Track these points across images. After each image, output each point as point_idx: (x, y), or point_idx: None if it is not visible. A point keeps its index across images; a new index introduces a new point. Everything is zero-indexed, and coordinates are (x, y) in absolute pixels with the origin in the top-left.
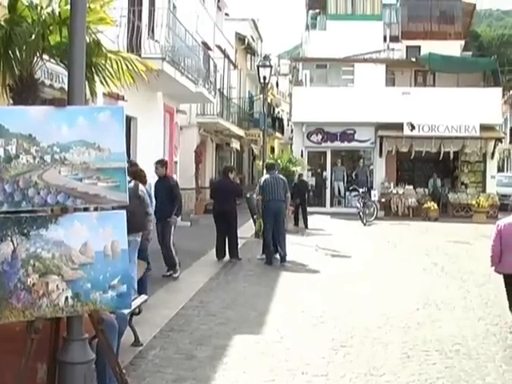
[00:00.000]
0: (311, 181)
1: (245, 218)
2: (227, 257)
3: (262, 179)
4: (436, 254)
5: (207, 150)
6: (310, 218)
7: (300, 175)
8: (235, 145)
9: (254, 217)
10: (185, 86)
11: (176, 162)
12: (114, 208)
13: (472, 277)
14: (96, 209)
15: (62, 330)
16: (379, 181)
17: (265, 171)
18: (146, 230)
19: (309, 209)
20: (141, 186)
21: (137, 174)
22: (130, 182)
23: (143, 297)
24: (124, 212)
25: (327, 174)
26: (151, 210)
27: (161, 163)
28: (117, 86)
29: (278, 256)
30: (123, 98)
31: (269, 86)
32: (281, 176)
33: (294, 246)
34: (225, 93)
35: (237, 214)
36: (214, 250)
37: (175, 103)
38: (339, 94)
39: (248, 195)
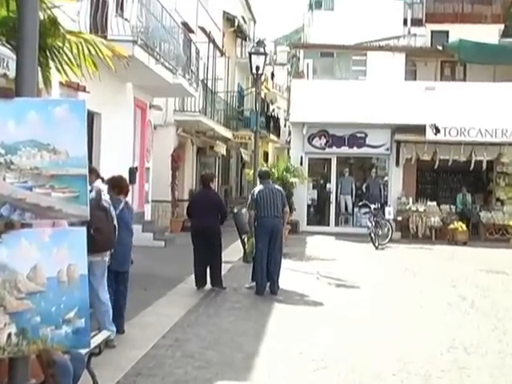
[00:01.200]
0: (312, 194)
1: (231, 237)
2: (209, 285)
3: (256, 190)
4: (464, 286)
5: (187, 155)
6: (310, 239)
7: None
8: (221, 149)
9: (243, 237)
10: (160, 75)
11: (148, 169)
12: (72, 224)
13: (509, 315)
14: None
15: (2, 374)
16: (395, 195)
17: (258, 181)
18: (114, 247)
19: (309, 228)
20: (104, 196)
21: (115, 182)
22: (90, 190)
23: (105, 333)
24: (84, 229)
25: (332, 186)
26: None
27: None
28: (77, 75)
29: (268, 285)
30: (84, 89)
31: (263, 77)
32: (277, 187)
33: (291, 272)
34: (209, 85)
35: (221, 233)
36: (193, 276)
37: (148, 97)
38: (348, 89)
39: (236, 210)
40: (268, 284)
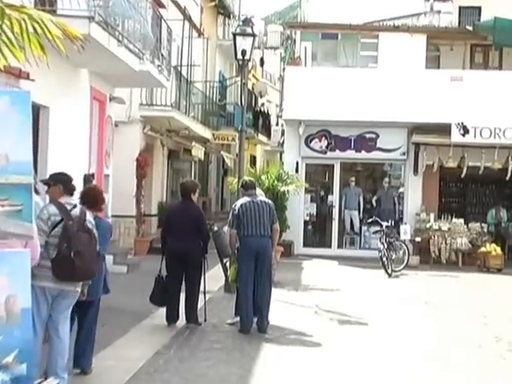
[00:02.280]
0: (310, 208)
1: (210, 262)
2: (182, 320)
3: (238, 204)
4: (499, 324)
5: (155, 159)
6: (307, 264)
7: None
8: (198, 152)
9: (225, 261)
10: (123, 60)
11: (107, 176)
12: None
13: None
14: None
15: None
16: (413, 210)
17: (241, 192)
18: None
19: (306, 250)
20: (89, 215)
21: (91, 196)
22: (74, 206)
23: (51, 381)
24: (28, 252)
25: (335, 198)
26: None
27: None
28: (19, 59)
29: (255, 319)
30: (28, 77)
31: (250, 64)
32: (265, 199)
33: (284, 305)
34: (184, 73)
35: (202, 258)
36: (165, 309)
37: (108, 87)
38: (355, 79)
39: (215, 228)
40: (255, 319)
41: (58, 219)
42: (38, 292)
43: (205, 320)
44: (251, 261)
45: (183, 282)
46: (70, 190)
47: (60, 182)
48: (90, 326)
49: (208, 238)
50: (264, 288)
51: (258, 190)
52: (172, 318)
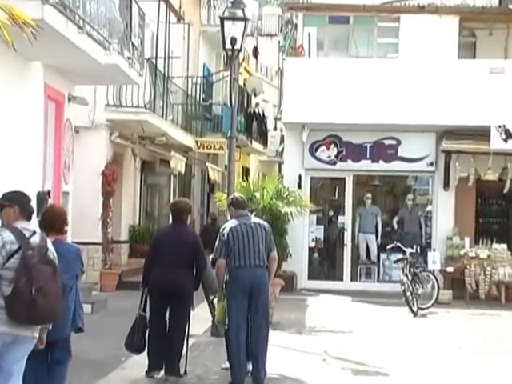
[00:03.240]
0: (317, 232)
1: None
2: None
3: (227, 228)
4: None
5: (126, 173)
6: (313, 301)
7: (212, 215)
8: (178, 163)
9: (211, 298)
10: (85, 51)
11: (66, 194)
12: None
13: None
14: None
15: None
16: (443, 234)
17: (230, 212)
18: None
19: (312, 284)
20: (50, 244)
21: (54, 216)
22: (33, 233)
23: None
24: None
25: (346, 220)
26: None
27: None
28: None
29: (250, 368)
30: None
31: (241, 55)
32: (259, 221)
33: (285, 351)
34: (160, 67)
35: (193, 295)
36: (146, 356)
37: (67, 84)
38: (371, 72)
39: None
40: (250, 367)
41: (15, 248)
42: None
43: (185, 372)
44: (244, 298)
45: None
46: (27, 213)
47: (16, 203)
48: (59, 372)
49: (204, 271)
50: (260, 330)
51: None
52: (157, 365)
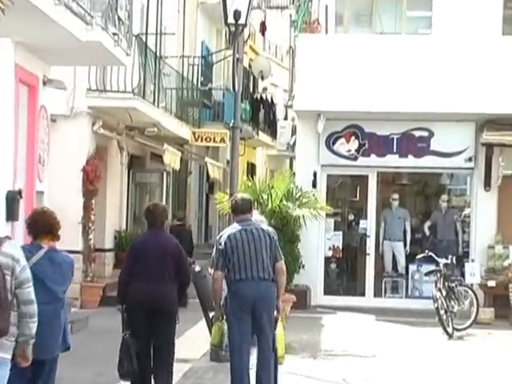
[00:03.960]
0: (334, 239)
1: (189, 315)
2: None
3: (224, 235)
4: None
5: (111, 169)
6: (329, 320)
7: (179, 214)
8: (172, 159)
9: (211, 315)
10: (63, 26)
11: (41, 194)
12: None
13: None
14: None
15: None
16: (484, 242)
17: (232, 218)
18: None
19: (328, 299)
20: (7, 246)
21: (52, 221)
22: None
23: None
24: None
25: (369, 225)
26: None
27: None
28: None
29: None
30: None
31: (246, 32)
32: (263, 226)
33: (298, 378)
34: (151, 45)
35: (177, 310)
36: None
37: (41, 65)
38: (399, 51)
39: (197, 268)
40: None
41: None
42: None
43: None
44: (246, 316)
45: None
46: None
47: None
48: None
49: (188, 282)
50: (265, 354)
51: (256, 214)
52: None
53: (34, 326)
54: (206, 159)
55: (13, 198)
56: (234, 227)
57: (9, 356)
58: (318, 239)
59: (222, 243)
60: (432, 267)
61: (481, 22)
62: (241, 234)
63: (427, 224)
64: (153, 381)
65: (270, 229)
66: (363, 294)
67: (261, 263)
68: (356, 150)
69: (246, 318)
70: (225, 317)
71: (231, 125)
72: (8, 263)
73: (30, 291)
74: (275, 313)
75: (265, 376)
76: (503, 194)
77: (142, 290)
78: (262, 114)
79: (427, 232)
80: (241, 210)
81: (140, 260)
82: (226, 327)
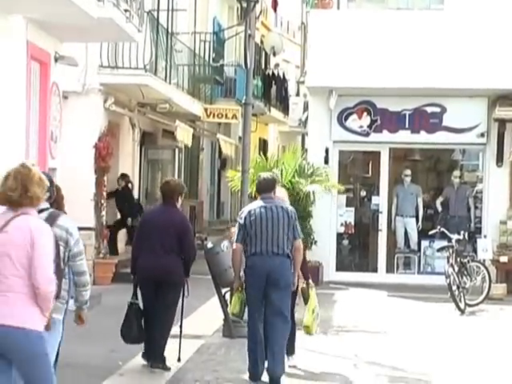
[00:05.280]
0: (346, 215)
1: (201, 291)
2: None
3: (245, 211)
4: None
5: (123, 146)
6: (341, 296)
7: (124, 176)
8: (184, 135)
9: (223, 291)
10: (74, 3)
11: (54, 170)
12: None
13: None
14: None
15: None
16: (496, 217)
17: (255, 195)
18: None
19: (341, 276)
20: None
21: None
22: (45, 209)
23: None
24: None
25: (381, 201)
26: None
27: None
28: None
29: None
30: None
31: (258, 7)
32: (285, 205)
33: (310, 354)
34: (163, 22)
35: (182, 282)
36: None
37: (53, 41)
38: (411, 27)
39: (210, 245)
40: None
41: None
42: None
43: (178, 359)
44: (260, 288)
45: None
46: None
47: None
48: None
49: (193, 255)
50: (276, 326)
51: (281, 191)
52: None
53: (86, 294)
54: (218, 135)
55: None
56: (256, 204)
57: (60, 317)
58: (330, 215)
59: (243, 218)
60: (444, 243)
61: None
62: (260, 211)
63: (439, 200)
64: None
65: (290, 207)
66: (375, 270)
67: (276, 239)
68: (368, 126)
69: (259, 290)
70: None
71: (243, 101)
72: (62, 235)
73: (82, 263)
74: (292, 287)
75: (275, 345)
76: None
77: (146, 262)
78: (274, 90)
79: (439, 208)
80: (263, 188)
81: (146, 234)
82: (246, 298)
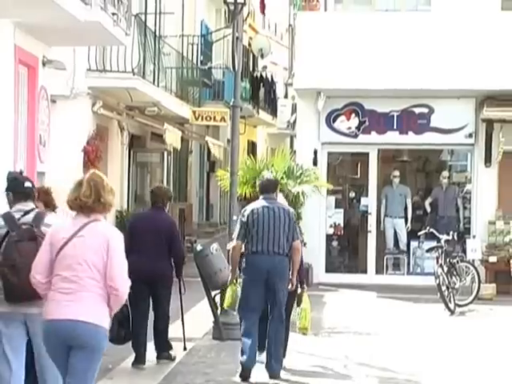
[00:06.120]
0: (335, 216)
1: (192, 295)
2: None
3: (248, 209)
4: None
5: (111, 149)
6: (331, 297)
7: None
8: (172, 138)
9: (213, 294)
10: (62, 7)
11: (42, 174)
12: None
13: None
14: None
15: None
16: (485, 218)
17: (241, 199)
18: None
19: (330, 277)
20: (50, 218)
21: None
22: (27, 212)
23: None
24: None
25: (370, 202)
26: None
27: None
28: None
29: (263, 360)
30: None
31: (245, 10)
32: (284, 206)
33: (300, 356)
34: (150, 25)
35: (172, 279)
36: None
37: (41, 45)
38: (399, 29)
39: (199, 247)
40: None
41: (3, 232)
42: None
43: (184, 348)
44: (260, 286)
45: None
46: (22, 194)
47: (9, 190)
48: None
49: (182, 257)
50: (276, 324)
51: (280, 197)
52: (141, 357)
53: None
54: (207, 138)
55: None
56: (259, 203)
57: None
58: (320, 217)
59: (245, 216)
60: (433, 244)
61: None
62: (263, 210)
63: (428, 200)
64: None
65: (291, 209)
66: (365, 271)
67: (277, 239)
68: (356, 128)
69: (260, 287)
70: (240, 281)
71: (231, 104)
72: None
73: None
74: (289, 286)
75: (274, 342)
76: (504, 170)
77: (138, 264)
78: (262, 92)
79: (428, 208)
80: (265, 189)
81: (136, 236)
82: (239, 290)
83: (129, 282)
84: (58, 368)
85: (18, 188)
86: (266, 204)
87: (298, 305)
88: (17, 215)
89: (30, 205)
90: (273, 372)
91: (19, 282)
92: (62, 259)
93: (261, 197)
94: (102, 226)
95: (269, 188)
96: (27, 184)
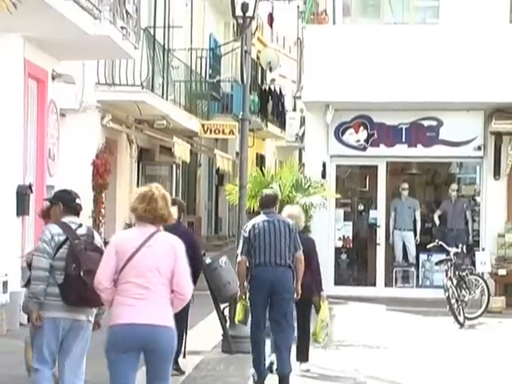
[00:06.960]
0: (344, 229)
1: (201, 308)
2: None
3: (249, 225)
4: None
5: (120, 162)
6: (340, 310)
7: None
8: (181, 151)
9: (222, 307)
10: (71, 21)
11: (51, 188)
12: None
13: None
14: None
15: None
16: (494, 230)
17: (250, 211)
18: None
19: (339, 290)
20: (97, 234)
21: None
22: (80, 225)
23: None
24: None
25: (379, 214)
26: None
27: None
28: None
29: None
30: None
31: (254, 23)
32: (284, 218)
33: (311, 368)
34: (159, 38)
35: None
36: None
37: (50, 60)
38: (407, 42)
39: (208, 260)
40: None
41: (63, 239)
42: (46, 324)
43: (184, 356)
44: (264, 297)
45: None
46: (72, 209)
47: (60, 201)
48: None
49: (200, 270)
50: (283, 332)
51: (295, 207)
52: None
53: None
54: (216, 151)
55: (23, 193)
56: (260, 218)
57: (91, 319)
58: (328, 230)
59: (247, 231)
60: (442, 256)
61: (488, 10)
62: (263, 224)
63: (437, 213)
64: None
65: (291, 221)
66: (374, 284)
67: (279, 251)
68: (365, 140)
69: (264, 298)
70: (248, 295)
71: (240, 117)
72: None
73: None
74: (294, 295)
75: (282, 347)
76: None
77: None
78: (271, 105)
79: (437, 221)
80: (265, 204)
81: None
82: (249, 305)
83: (192, 287)
84: (117, 371)
85: (69, 202)
86: (267, 218)
87: (317, 312)
88: (73, 226)
89: (78, 220)
90: (284, 374)
91: (92, 287)
92: (133, 267)
93: (261, 212)
94: (167, 236)
95: (268, 203)
96: (78, 201)
